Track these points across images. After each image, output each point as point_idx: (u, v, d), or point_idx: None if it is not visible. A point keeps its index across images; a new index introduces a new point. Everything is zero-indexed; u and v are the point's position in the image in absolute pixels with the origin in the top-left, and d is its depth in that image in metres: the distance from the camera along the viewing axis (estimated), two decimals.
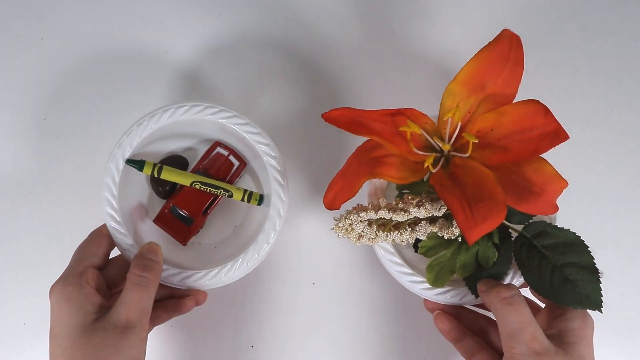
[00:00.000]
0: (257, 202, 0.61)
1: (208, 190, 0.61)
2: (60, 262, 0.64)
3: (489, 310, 0.53)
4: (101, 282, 0.55)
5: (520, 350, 0.49)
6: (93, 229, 0.58)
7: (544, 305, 0.56)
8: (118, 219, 0.58)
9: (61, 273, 0.54)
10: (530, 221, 0.56)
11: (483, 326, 0.59)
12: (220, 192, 0.61)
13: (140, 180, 0.63)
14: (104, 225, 0.58)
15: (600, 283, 0.52)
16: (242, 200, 0.61)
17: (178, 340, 0.65)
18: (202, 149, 0.64)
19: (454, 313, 0.60)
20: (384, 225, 0.54)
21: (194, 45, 0.68)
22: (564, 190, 0.51)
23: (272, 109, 0.67)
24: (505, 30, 0.53)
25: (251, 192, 0.61)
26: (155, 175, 0.60)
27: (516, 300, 0.50)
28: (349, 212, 0.53)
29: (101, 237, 0.57)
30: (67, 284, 0.53)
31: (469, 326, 0.60)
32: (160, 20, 0.69)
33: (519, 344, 0.49)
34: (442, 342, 0.65)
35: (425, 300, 0.59)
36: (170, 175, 0.60)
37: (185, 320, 0.65)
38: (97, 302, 0.52)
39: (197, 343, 0.65)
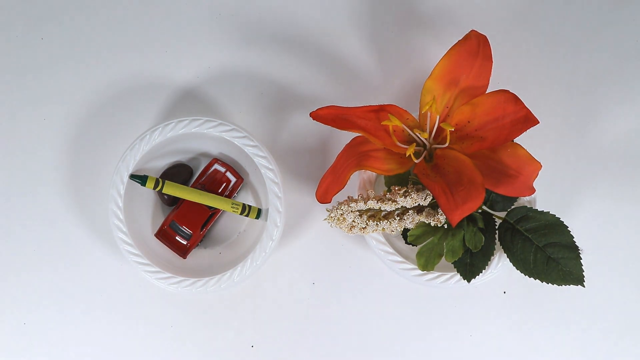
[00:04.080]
0: (255, 216, 0.64)
1: (207, 206, 0.64)
2: (60, 263, 0.67)
3: None
4: None
5: None
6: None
7: None
8: (124, 229, 0.62)
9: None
10: (512, 207, 0.59)
11: None
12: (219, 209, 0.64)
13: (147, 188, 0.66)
14: None
15: (581, 259, 0.55)
16: (241, 214, 0.64)
17: (178, 340, 0.67)
18: (205, 162, 0.67)
19: None
20: (374, 216, 0.58)
21: (193, 65, 0.69)
22: (540, 173, 0.54)
23: (272, 122, 0.69)
24: (472, 30, 0.58)
25: (249, 207, 0.64)
26: (158, 189, 0.63)
27: None
28: (340, 204, 0.57)
29: None
30: None
31: None
32: (159, 39, 0.70)
33: None
34: (442, 341, 0.67)
35: None
36: (172, 189, 0.63)
37: (185, 320, 0.67)
38: None
39: (198, 343, 0.67)
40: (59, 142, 0.68)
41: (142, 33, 0.69)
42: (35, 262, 0.67)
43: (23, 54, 0.69)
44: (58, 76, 0.69)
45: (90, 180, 0.68)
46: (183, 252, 0.65)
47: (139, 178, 0.62)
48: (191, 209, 0.64)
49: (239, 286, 0.66)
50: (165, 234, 0.65)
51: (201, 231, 0.65)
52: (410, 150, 0.55)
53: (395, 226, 0.57)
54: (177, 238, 0.65)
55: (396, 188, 0.57)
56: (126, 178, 0.62)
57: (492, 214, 0.59)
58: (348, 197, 0.58)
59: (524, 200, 0.61)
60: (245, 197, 0.68)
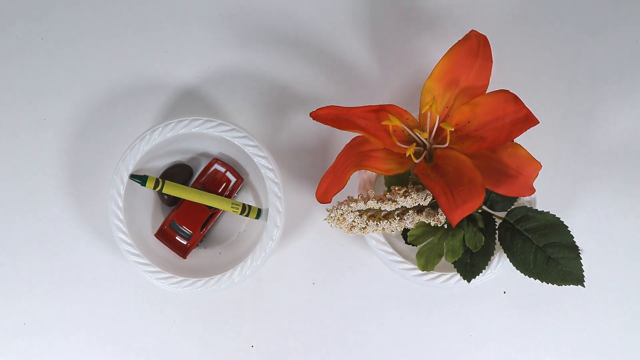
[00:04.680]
0: (255, 216, 0.64)
1: (207, 206, 0.64)
2: (60, 263, 0.67)
3: None
4: None
5: None
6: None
7: None
8: (124, 229, 0.62)
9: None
10: (512, 207, 0.59)
11: None
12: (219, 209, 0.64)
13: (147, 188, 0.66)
14: None
15: (581, 259, 0.55)
16: (241, 214, 0.64)
17: (178, 340, 0.67)
18: (205, 162, 0.67)
19: None
20: (374, 216, 0.58)
21: (193, 65, 0.69)
22: (539, 173, 0.54)
23: (272, 122, 0.69)
24: (472, 30, 0.57)
25: (250, 207, 0.64)
26: (158, 189, 0.63)
27: None
28: (340, 204, 0.57)
29: None
30: None
31: None
32: (159, 40, 0.70)
33: None
34: (443, 341, 0.67)
35: None
36: (172, 189, 0.63)
37: (186, 320, 0.67)
38: None
39: (198, 343, 0.67)
40: (59, 142, 0.68)
41: (142, 33, 0.69)
42: (35, 262, 0.67)
43: (23, 54, 0.69)
44: (58, 76, 0.69)
45: (90, 180, 0.68)
46: (183, 252, 0.65)
47: (139, 178, 0.62)
48: (191, 209, 0.64)
49: (239, 286, 0.66)
50: (165, 234, 0.65)
51: (201, 231, 0.65)
52: (410, 150, 0.55)
53: (395, 226, 0.57)
54: (177, 238, 0.65)
55: (396, 188, 0.57)
56: (126, 178, 0.62)
57: (492, 214, 0.59)
58: (348, 197, 0.58)
59: (524, 200, 0.61)
60: (245, 197, 0.68)
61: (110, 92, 0.69)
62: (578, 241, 0.57)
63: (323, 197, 0.57)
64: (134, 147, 0.62)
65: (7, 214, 0.68)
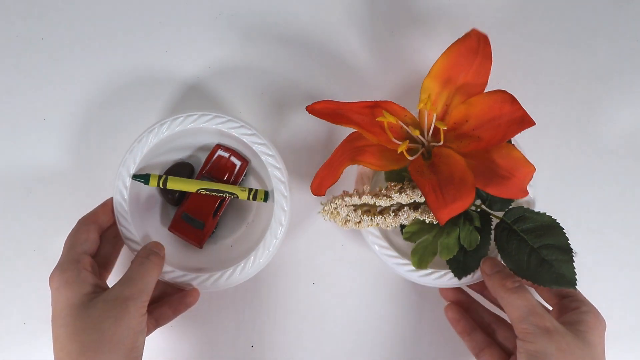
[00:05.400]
0: (263, 199, 0.64)
1: (214, 195, 0.64)
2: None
3: (492, 293, 0.56)
4: (95, 266, 0.58)
5: (532, 329, 0.51)
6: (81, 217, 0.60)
7: (551, 307, 0.58)
8: (131, 230, 0.61)
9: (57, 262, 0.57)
10: (510, 207, 0.58)
11: (492, 324, 0.61)
12: (226, 195, 0.63)
13: (151, 189, 0.66)
14: (91, 213, 0.61)
15: (574, 262, 0.54)
16: (248, 199, 0.63)
17: (179, 340, 0.67)
18: (205, 156, 0.66)
19: (465, 307, 0.62)
20: (369, 211, 0.57)
21: (194, 65, 0.69)
22: (539, 173, 0.54)
23: (273, 121, 0.69)
24: (473, 29, 0.57)
25: (256, 190, 0.63)
26: (161, 186, 0.63)
27: (521, 288, 0.53)
28: (334, 197, 0.57)
29: (89, 224, 0.59)
30: (64, 270, 0.55)
31: (479, 322, 0.62)
32: (159, 39, 0.70)
33: (530, 325, 0.51)
34: (443, 341, 0.67)
35: (440, 289, 0.62)
36: (175, 184, 0.63)
37: (185, 320, 0.67)
38: (94, 282, 0.55)
39: (198, 343, 0.67)
40: (59, 142, 0.69)
41: (142, 33, 0.70)
42: (36, 261, 0.68)
43: (23, 54, 0.70)
44: (58, 76, 0.69)
45: (91, 180, 0.68)
46: (199, 241, 0.64)
47: (142, 177, 0.62)
48: (200, 199, 0.64)
49: (239, 286, 0.65)
50: (178, 226, 0.65)
51: (214, 218, 0.64)
52: (402, 147, 0.55)
53: (390, 222, 0.57)
54: (190, 228, 0.64)
55: (392, 184, 0.57)
56: (128, 181, 0.62)
57: (491, 213, 0.59)
58: (343, 191, 0.57)
59: (522, 200, 0.60)
60: (250, 185, 0.67)
61: (110, 92, 0.69)
62: (576, 242, 0.56)
63: (317, 189, 0.56)
64: (133, 151, 0.62)
65: (8, 214, 0.68)
